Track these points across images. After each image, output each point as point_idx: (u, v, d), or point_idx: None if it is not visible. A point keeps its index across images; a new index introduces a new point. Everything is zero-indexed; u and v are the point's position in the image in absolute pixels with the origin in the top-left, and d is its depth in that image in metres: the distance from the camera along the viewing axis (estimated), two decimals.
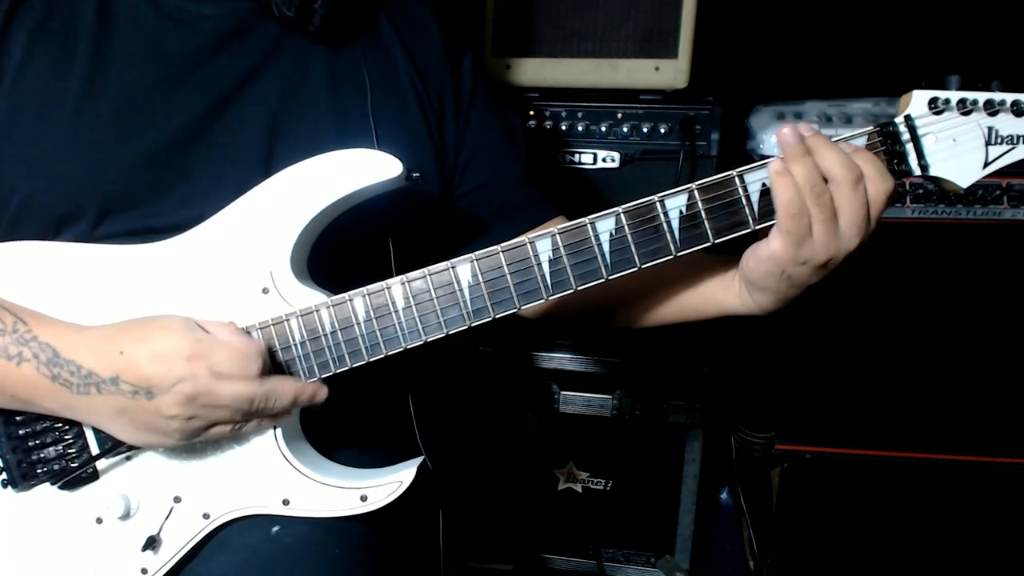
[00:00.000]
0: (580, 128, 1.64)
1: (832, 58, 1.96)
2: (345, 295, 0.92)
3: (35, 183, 0.94)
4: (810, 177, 0.83)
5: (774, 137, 1.59)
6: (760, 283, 0.92)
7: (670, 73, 1.57)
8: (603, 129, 1.63)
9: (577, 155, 1.64)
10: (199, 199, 0.96)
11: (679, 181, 1.58)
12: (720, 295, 1.00)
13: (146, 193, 0.96)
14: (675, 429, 1.71)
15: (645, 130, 1.61)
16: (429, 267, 0.91)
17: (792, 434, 1.66)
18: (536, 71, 1.63)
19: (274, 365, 0.92)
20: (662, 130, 1.60)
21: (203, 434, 0.88)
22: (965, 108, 0.88)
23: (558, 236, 0.89)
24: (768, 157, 1.59)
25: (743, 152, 1.67)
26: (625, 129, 1.62)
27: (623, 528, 1.80)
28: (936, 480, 1.60)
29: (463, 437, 1.79)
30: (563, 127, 1.64)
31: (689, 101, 1.59)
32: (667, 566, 1.77)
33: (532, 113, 1.64)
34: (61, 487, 0.92)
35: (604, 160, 1.63)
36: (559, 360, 1.71)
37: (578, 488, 1.80)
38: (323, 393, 0.92)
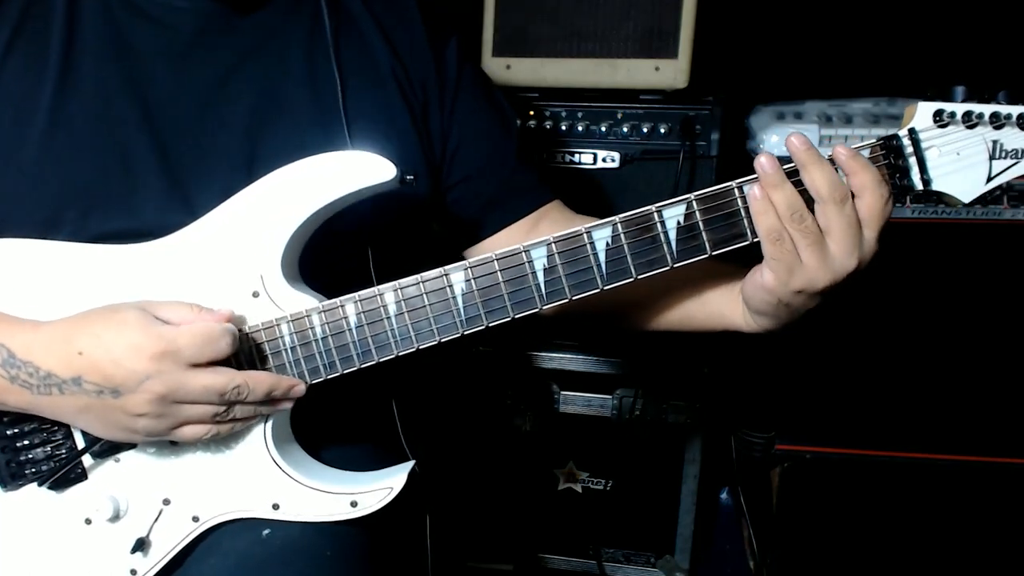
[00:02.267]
0: (580, 128, 1.64)
1: (832, 58, 1.96)
2: (337, 300, 0.90)
3: (16, 189, 0.93)
4: (790, 203, 0.82)
5: (774, 137, 1.60)
6: (759, 309, 0.91)
7: (670, 73, 1.57)
8: (603, 129, 1.63)
9: (577, 155, 1.64)
10: (183, 200, 0.94)
11: (679, 181, 1.58)
12: (726, 310, 0.99)
13: (126, 193, 0.94)
14: (675, 429, 1.71)
15: (645, 130, 1.61)
16: (422, 273, 0.90)
17: (792, 434, 1.66)
18: (536, 71, 1.63)
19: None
20: (662, 130, 1.60)
21: (173, 433, 0.86)
22: (970, 121, 0.85)
23: (553, 244, 0.88)
24: None
25: (743, 152, 1.67)
26: (625, 129, 1.62)
27: (623, 528, 1.79)
28: (936, 480, 1.60)
29: (463, 437, 1.78)
30: (563, 127, 1.64)
31: (689, 101, 1.59)
32: (667, 566, 1.77)
33: (532, 113, 1.64)
34: (50, 487, 0.92)
35: (604, 160, 1.63)
36: (559, 360, 1.71)
37: (578, 488, 1.80)
38: (300, 388, 0.89)
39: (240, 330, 0.89)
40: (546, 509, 1.81)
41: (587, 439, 1.76)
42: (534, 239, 0.88)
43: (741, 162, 1.67)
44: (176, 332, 0.81)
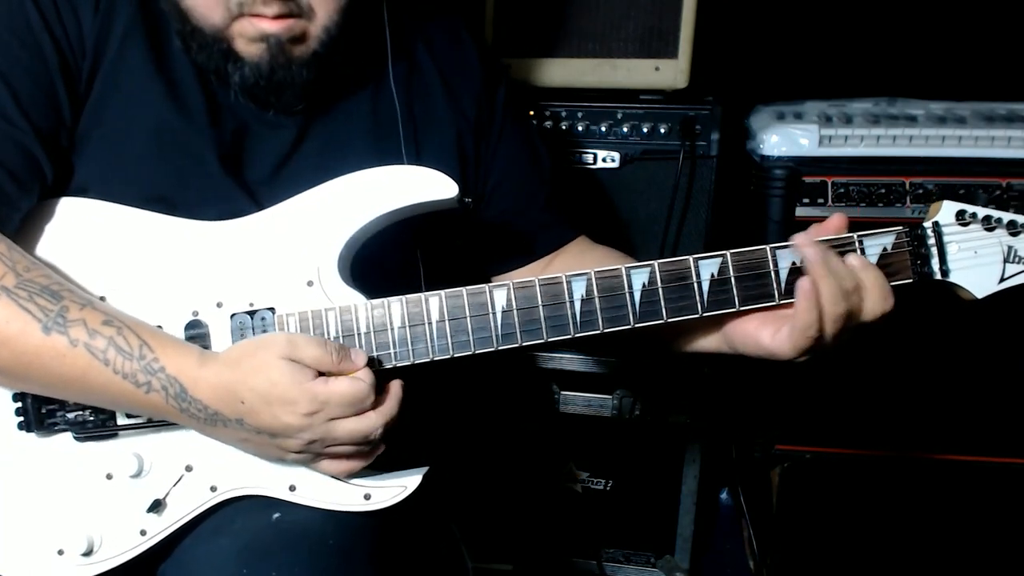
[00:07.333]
0: (580, 128, 1.64)
1: (832, 58, 1.96)
2: (384, 300, 0.95)
3: (110, 174, 0.98)
4: (833, 292, 0.89)
5: (774, 137, 1.59)
6: (743, 352, 1.00)
7: (670, 73, 1.57)
8: (603, 129, 1.63)
9: (577, 155, 1.64)
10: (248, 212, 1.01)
11: (679, 181, 1.58)
12: (700, 340, 1.06)
13: (199, 203, 1.00)
14: (675, 429, 1.71)
15: (645, 130, 1.61)
16: (468, 287, 0.95)
17: (792, 434, 1.66)
18: (536, 71, 1.63)
19: None
20: (662, 130, 1.60)
21: (318, 466, 0.94)
22: (990, 224, 0.95)
23: (594, 279, 0.94)
24: (767, 157, 1.60)
25: (743, 152, 1.67)
26: (625, 129, 1.62)
27: (623, 528, 1.80)
28: (936, 480, 1.60)
29: (463, 437, 1.79)
30: (563, 127, 1.64)
31: (689, 101, 1.59)
32: (667, 566, 1.78)
33: (532, 113, 1.64)
34: (80, 439, 0.95)
35: (604, 160, 1.63)
36: (559, 360, 1.71)
37: (578, 488, 1.80)
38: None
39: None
40: (546, 509, 1.81)
41: (587, 439, 1.77)
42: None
43: (741, 162, 1.67)
44: (327, 393, 0.87)
